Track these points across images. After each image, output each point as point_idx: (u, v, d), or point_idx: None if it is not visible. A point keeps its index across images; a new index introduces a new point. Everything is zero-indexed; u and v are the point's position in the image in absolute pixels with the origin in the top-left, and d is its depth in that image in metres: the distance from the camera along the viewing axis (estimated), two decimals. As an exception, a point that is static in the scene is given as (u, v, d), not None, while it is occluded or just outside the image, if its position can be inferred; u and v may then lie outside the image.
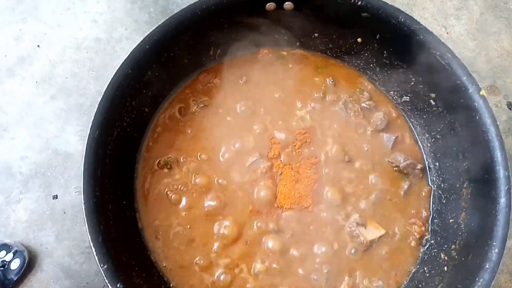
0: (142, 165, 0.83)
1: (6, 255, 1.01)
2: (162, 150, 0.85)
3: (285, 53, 0.92)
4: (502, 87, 1.24)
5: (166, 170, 0.84)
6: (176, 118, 0.88)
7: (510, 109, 1.21)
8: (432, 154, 0.87)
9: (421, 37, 0.75)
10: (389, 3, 0.75)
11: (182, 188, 0.83)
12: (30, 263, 1.04)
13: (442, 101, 0.81)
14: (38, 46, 1.20)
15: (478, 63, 1.26)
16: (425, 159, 0.88)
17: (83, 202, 0.64)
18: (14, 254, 1.01)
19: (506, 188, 0.68)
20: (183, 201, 0.82)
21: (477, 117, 0.72)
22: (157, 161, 0.84)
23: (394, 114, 0.91)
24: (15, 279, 1.00)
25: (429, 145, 0.87)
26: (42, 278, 1.04)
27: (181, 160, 0.85)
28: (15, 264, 1.01)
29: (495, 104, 1.23)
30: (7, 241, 1.04)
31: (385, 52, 0.85)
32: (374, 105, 0.90)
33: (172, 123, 0.87)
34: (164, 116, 0.87)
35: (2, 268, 1.00)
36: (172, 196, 0.82)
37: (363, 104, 0.89)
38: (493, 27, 1.30)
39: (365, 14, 0.77)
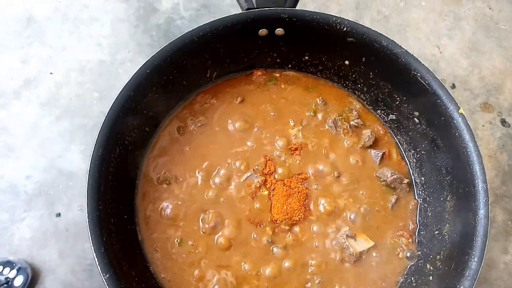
0: (142, 181, 0.86)
1: (9, 272, 1.03)
2: (161, 167, 0.88)
3: (277, 74, 0.96)
4: (496, 104, 1.27)
5: (165, 185, 0.86)
6: (175, 136, 0.91)
7: (504, 125, 1.24)
8: (417, 169, 0.90)
9: (403, 59, 0.78)
10: (373, 29, 0.79)
11: (179, 203, 0.85)
12: (33, 280, 1.06)
13: (425, 119, 0.84)
14: (51, 73, 1.24)
15: (471, 81, 1.29)
16: (412, 174, 0.91)
17: (87, 215, 0.66)
18: (17, 271, 1.03)
19: (484, 200, 0.71)
20: (181, 215, 0.85)
21: (457, 134, 0.75)
22: (156, 178, 0.87)
23: (381, 132, 0.93)
24: None
25: (414, 160, 0.90)
26: (45, 295, 1.06)
27: (179, 176, 0.87)
28: (18, 281, 1.03)
29: (489, 121, 1.26)
30: (10, 258, 1.07)
31: (371, 73, 0.88)
32: (362, 123, 0.93)
33: (171, 142, 0.90)
34: (163, 135, 0.90)
35: (6, 285, 1.02)
36: (170, 211, 0.85)
37: (352, 122, 0.92)
38: (485, 46, 1.33)
39: (351, 39, 0.80)
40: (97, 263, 0.66)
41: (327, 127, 0.92)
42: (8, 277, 1.03)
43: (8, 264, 1.05)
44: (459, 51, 1.32)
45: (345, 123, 0.92)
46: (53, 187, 1.14)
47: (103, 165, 0.71)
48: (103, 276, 0.65)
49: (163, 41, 1.29)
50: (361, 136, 0.92)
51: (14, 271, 1.03)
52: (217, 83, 0.95)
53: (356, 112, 0.94)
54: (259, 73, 0.95)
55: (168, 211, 0.85)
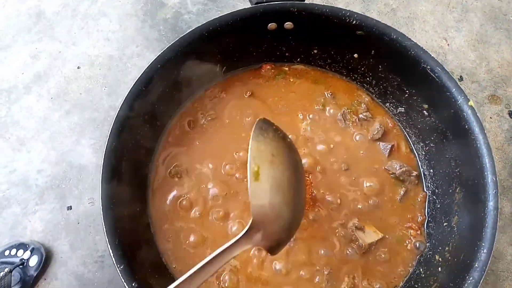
0: (154, 174, 0.87)
1: (24, 253, 1.05)
2: (173, 160, 0.89)
3: (286, 68, 0.96)
4: (504, 97, 1.27)
5: (176, 179, 0.87)
6: (185, 130, 0.92)
7: (511, 117, 1.25)
8: (426, 162, 0.90)
9: (413, 52, 0.78)
10: (382, 22, 0.80)
11: (191, 195, 0.87)
12: (46, 259, 1.08)
13: (434, 112, 0.84)
14: (61, 68, 1.25)
15: (479, 73, 1.29)
16: (420, 166, 0.91)
17: (101, 208, 0.68)
18: (31, 251, 1.05)
19: (494, 192, 0.71)
20: (192, 207, 0.86)
21: (466, 126, 0.76)
22: (168, 171, 0.88)
23: (390, 125, 0.94)
24: (34, 274, 1.05)
25: (423, 153, 0.90)
26: (57, 287, 1.08)
27: (191, 169, 0.88)
28: (33, 261, 1.05)
29: (496, 114, 1.25)
30: (22, 240, 1.09)
31: (380, 66, 0.88)
32: (371, 116, 0.93)
33: (182, 135, 0.91)
34: (174, 129, 0.91)
35: (21, 266, 1.04)
36: (183, 202, 0.86)
37: (360, 115, 0.93)
38: (493, 38, 1.33)
39: (360, 32, 0.81)
40: (111, 254, 0.67)
41: (336, 120, 0.93)
42: (23, 258, 1.05)
43: (21, 246, 1.07)
44: (466, 43, 1.32)
45: (354, 116, 0.92)
46: (64, 180, 1.15)
47: (116, 159, 0.72)
48: (118, 267, 0.66)
49: (171, 36, 1.29)
50: (369, 129, 0.93)
51: (28, 252, 1.06)
52: (226, 77, 0.96)
53: (364, 105, 0.95)
54: (268, 67, 0.96)
55: (180, 203, 0.86)
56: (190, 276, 0.58)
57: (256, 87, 0.95)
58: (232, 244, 0.62)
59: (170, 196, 0.87)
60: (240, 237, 0.63)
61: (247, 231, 0.63)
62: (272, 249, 0.68)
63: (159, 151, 0.89)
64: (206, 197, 0.87)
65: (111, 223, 0.68)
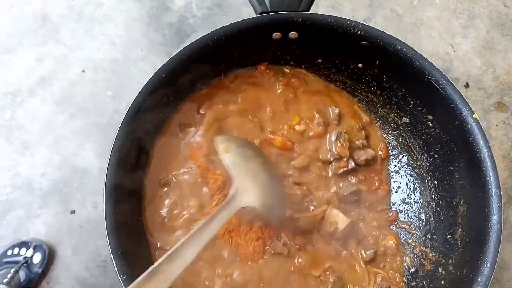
0: (148, 184, 0.85)
1: (26, 251, 1.06)
2: (163, 168, 0.87)
3: (287, 70, 0.95)
4: (510, 104, 1.26)
5: (166, 188, 0.86)
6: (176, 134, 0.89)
7: (518, 125, 1.24)
8: (431, 173, 0.89)
9: (417, 63, 0.78)
10: (387, 33, 0.78)
11: (179, 208, 0.85)
12: (50, 256, 1.10)
13: (438, 123, 0.83)
14: (65, 71, 1.25)
15: (485, 80, 1.28)
16: (425, 177, 0.91)
17: (104, 218, 0.67)
18: (34, 249, 1.07)
19: (498, 205, 0.71)
20: (183, 215, 0.84)
21: (471, 139, 0.75)
22: (159, 180, 0.86)
23: (381, 153, 0.94)
24: (39, 271, 1.06)
25: (427, 164, 0.90)
26: (60, 291, 1.08)
27: (177, 176, 0.87)
28: (37, 258, 1.06)
29: (502, 121, 1.25)
30: (24, 238, 1.10)
31: (384, 76, 0.87)
32: (367, 145, 0.93)
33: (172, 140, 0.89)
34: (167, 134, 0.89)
35: (26, 264, 1.05)
36: (172, 212, 0.85)
37: (357, 142, 0.92)
38: (499, 44, 1.32)
39: (365, 42, 0.80)
40: (115, 264, 0.67)
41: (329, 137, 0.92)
42: (26, 256, 1.06)
43: (23, 244, 1.08)
44: (473, 50, 1.31)
45: (347, 141, 0.91)
46: (67, 184, 1.16)
47: (119, 169, 0.72)
48: (120, 277, 0.66)
49: (175, 40, 1.29)
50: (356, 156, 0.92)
51: (30, 250, 1.07)
52: (229, 84, 0.94)
53: (364, 133, 0.94)
54: (263, 67, 0.94)
55: (170, 212, 0.85)
56: (187, 241, 0.62)
57: (255, 93, 0.94)
58: (224, 206, 0.69)
59: (163, 206, 0.86)
60: (230, 199, 0.71)
61: (234, 193, 0.72)
62: (267, 215, 0.79)
63: (154, 158, 0.88)
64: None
65: (115, 233, 0.68)
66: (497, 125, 1.24)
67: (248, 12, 0.81)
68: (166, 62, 0.75)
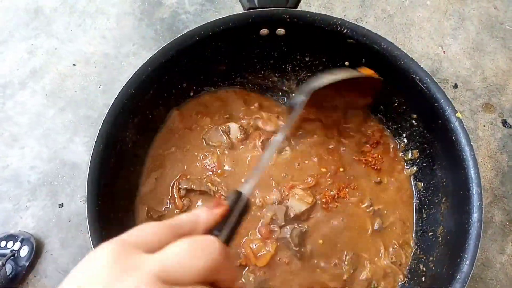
0: (143, 180, 0.87)
1: (13, 244, 1.05)
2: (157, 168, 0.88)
3: None
4: (497, 105, 1.27)
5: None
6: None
7: (505, 126, 1.24)
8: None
9: (402, 62, 0.79)
10: (373, 31, 0.79)
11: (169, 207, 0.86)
12: (37, 250, 1.09)
13: (422, 122, 0.85)
14: (57, 65, 1.25)
15: (473, 81, 1.29)
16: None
17: (86, 210, 0.68)
18: (21, 242, 1.06)
19: (478, 204, 0.72)
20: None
21: (453, 137, 0.76)
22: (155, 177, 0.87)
23: None
24: (26, 264, 1.05)
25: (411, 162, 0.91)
26: (47, 284, 1.08)
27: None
28: (24, 251, 1.05)
29: (490, 122, 1.25)
30: (12, 231, 1.09)
31: (370, 74, 0.88)
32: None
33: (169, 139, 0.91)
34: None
35: (13, 257, 1.04)
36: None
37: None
38: (489, 46, 1.32)
39: (351, 40, 0.81)
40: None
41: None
42: (13, 250, 1.05)
43: (11, 237, 1.07)
44: (462, 51, 1.32)
45: None
46: (56, 177, 1.15)
47: (103, 161, 0.72)
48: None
49: (167, 35, 1.29)
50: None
51: (18, 243, 1.06)
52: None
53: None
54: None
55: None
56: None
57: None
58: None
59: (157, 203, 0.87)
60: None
61: None
62: None
63: (149, 155, 0.89)
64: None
65: (96, 226, 0.69)
66: (484, 126, 1.25)
67: (241, 9, 0.81)
68: (153, 55, 0.76)
